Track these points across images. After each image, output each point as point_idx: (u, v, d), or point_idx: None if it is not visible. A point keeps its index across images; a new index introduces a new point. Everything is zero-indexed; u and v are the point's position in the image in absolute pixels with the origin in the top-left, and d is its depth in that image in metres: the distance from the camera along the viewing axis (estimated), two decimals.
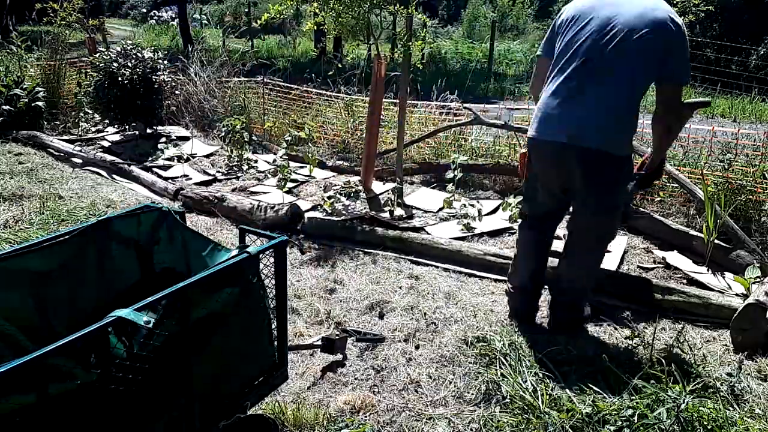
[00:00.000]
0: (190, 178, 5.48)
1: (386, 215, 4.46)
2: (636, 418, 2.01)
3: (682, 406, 1.97)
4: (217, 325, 1.61)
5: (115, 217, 1.94)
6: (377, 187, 5.17)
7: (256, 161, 5.90)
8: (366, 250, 3.86)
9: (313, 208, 4.67)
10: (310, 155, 5.32)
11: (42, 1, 7.86)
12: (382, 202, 4.77)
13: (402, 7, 4.48)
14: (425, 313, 3.05)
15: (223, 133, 6.08)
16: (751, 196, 4.03)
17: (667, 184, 4.50)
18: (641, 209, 4.29)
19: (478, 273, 3.57)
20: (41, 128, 6.83)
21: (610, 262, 3.67)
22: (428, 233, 4.10)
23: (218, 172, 5.70)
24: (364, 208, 4.68)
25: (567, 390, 2.27)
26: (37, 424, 1.18)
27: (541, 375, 2.41)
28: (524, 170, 2.88)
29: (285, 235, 2.12)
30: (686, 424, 1.97)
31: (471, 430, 2.18)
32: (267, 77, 7.21)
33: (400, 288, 3.35)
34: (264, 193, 5.06)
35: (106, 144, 6.45)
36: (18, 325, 1.66)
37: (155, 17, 24.20)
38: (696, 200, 4.05)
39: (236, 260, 1.62)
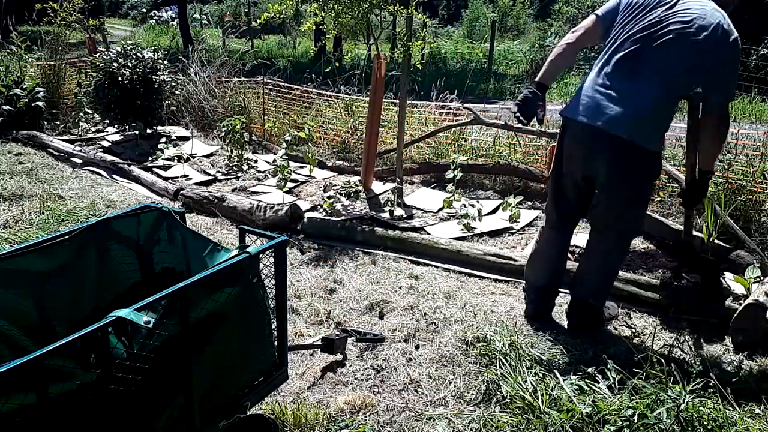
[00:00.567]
0: (190, 178, 5.48)
1: (386, 215, 4.46)
2: (636, 418, 2.00)
3: (682, 406, 1.97)
4: (217, 325, 1.61)
5: (115, 217, 1.94)
6: (377, 187, 5.17)
7: (256, 161, 5.90)
8: (366, 250, 3.87)
9: (313, 208, 4.67)
10: (310, 155, 5.32)
11: (42, 1, 7.86)
12: (382, 202, 4.77)
13: (402, 7, 4.48)
14: (425, 313, 3.05)
15: (223, 133, 6.09)
16: (751, 196, 4.02)
17: (667, 184, 4.50)
18: None
19: (478, 273, 3.57)
20: (41, 128, 6.83)
21: None
22: (428, 233, 4.10)
23: (218, 172, 5.70)
24: (364, 208, 4.68)
25: (567, 390, 2.27)
26: (37, 424, 1.18)
27: (541, 375, 2.41)
28: (552, 164, 2.88)
29: (285, 236, 2.12)
30: (686, 424, 1.97)
31: (471, 430, 2.18)
32: (267, 77, 7.21)
33: (400, 288, 3.35)
34: (264, 193, 5.06)
35: (106, 144, 6.45)
36: (18, 325, 1.66)
37: (155, 17, 24.21)
38: None
39: (236, 260, 1.62)
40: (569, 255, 3.72)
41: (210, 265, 1.74)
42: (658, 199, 4.49)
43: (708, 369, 2.51)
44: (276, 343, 1.89)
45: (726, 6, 2.54)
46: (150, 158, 6.01)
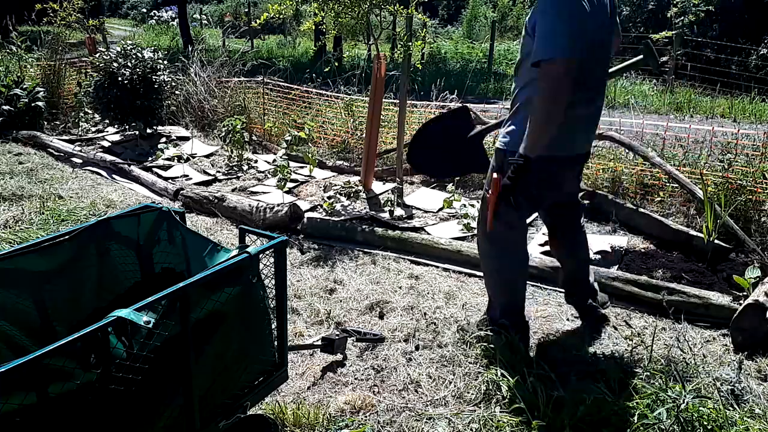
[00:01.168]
0: (190, 178, 5.48)
1: (386, 215, 4.46)
2: (636, 418, 2.01)
3: (682, 406, 1.97)
4: (217, 325, 1.61)
5: (115, 217, 1.94)
6: (377, 187, 5.17)
7: (256, 161, 5.90)
8: (366, 250, 3.87)
9: (313, 209, 4.67)
10: (310, 155, 5.32)
11: (42, 1, 7.86)
12: (382, 202, 4.77)
13: (402, 7, 4.48)
14: (425, 313, 3.05)
15: (223, 133, 6.09)
16: (751, 196, 4.02)
17: (667, 184, 4.50)
18: (641, 209, 4.29)
19: (478, 273, 3.56)
20: (41, 128, 6.83)
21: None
22: (428, 233, 4.10)
23: (218, 172, 5.70)
24: (364, 208, 4.68)
25: (567, 390, 2.27)
26: (37, 423, 1.18)
27: (541, 375, 2.41)
28: (498, 206, 2.41)
29: (285, 236, 2.12)
30: (686, 424, 1.97)
31: (471, 430, 2.18)
32: (267, 77, 7.21)
33: (400, 288, 3.35)
34: (264, 193, 5.06)
35: (106, 144, 6.45)
36: (18, 325, 1.66)
37: (155, 17, 24.19)
38: (696, 200, 4.05)
39: (236, 260, 1.62)
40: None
41: (210, 265, 1.74)
42: (658, 199, 4.49)
43: (708, 369, 2.51)
44: (276, 343, 1.89)
45: None
46: (150, 158, 6.01)
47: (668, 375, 2.34)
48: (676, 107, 9.42)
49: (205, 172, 5.69)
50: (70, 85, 7.71)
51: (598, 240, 4.02)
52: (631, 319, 3.05)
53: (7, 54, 7.99)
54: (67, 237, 1.79)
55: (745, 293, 3.01)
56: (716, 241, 3.65)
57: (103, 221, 1.92)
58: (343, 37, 12.16)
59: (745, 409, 2.26)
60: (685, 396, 2.00)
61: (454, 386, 2.44)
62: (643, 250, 3.92)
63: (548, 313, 3.09)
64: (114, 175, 5.47)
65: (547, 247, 3.86)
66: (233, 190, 5.14)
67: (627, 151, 4.79)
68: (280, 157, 5.32)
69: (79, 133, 6.94)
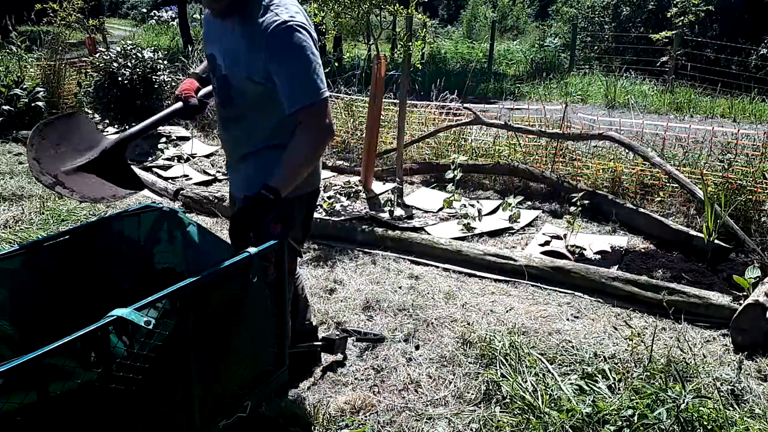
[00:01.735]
0: (190, 178, 5.48)
1: (386, 215, 4.46)
2: (636, 418, 2.01)
3: (682, 406, 1.97)
4: (217, 324, 1.61)
5: (116, 217, 1.95)
6: (377, 187, 5.17)
7: None
8: (366, 250, 3.86)
9: None
10: None
11: (42, 1, 7.86)
12: (382, 202, 4.77)
13: (402, 7, 4.48)
14: (425, 313, 3.05)
15: None
16: (751, 196, 4.02)
17: (667, 184, 4.50)
18: (641, 209, 4.29)
19: (478, 273, 3.57)
20: None
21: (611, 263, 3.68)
22: (428, 233, 4.10)
23: (218, 172, 5.70)
24: (364, 208, 4.68)
25: (567, 390, 2.27)
26: (38, 422, 1.18)
27: (541, 375, 2.41)
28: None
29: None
30: (686, 424, 1.97)
31: (471, 430, 2.18)
32: None
33: (400, 288, 3.35)
34: None
35: None
36: (18, 324, 1.66)
37: (155, 17, 24.18)
38: (696, 200, 4.05)
39: (237, 260, 1.62)
40: (569, 255, 3.74)
41: (210, 265, 1.74)
42: (658, 199, 4.49)
43: (708, 369, 2.51)
44: (277, 343, 1.89)
45: None
46: (150, 158, 6.01)
47: (668, 375, 2.34)
48: (676, 107, 9.42)
49: (205, 172, 5.69)
50: (70, 85, 7.71)
51: (598, 240, 4.02)
52: (631, 319, 3.05)
53: (7, 54, 7.99)
54: (68, 236, 1.79)
55: (745, 293, 3.01)
56: (716, 241, 3.65)
57: (104, 220, 1.92)
58: (343, 37, 12.15)
59: (745, 409, 2.26)
60: (685, 396, 2.00)
61: (454, 386, 2.44)
62: (643, 250, 3.92)
63: (548, 313, 3.09)
64: None
65: (548, 247, 3.87)
66: None
67: (627, 151, 4.79)
68: None
69: None
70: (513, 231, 4.24)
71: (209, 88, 2.16)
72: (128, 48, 6.47)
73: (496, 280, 3.48)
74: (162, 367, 1.43)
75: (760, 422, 2.14)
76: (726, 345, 2.82)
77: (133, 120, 6.43)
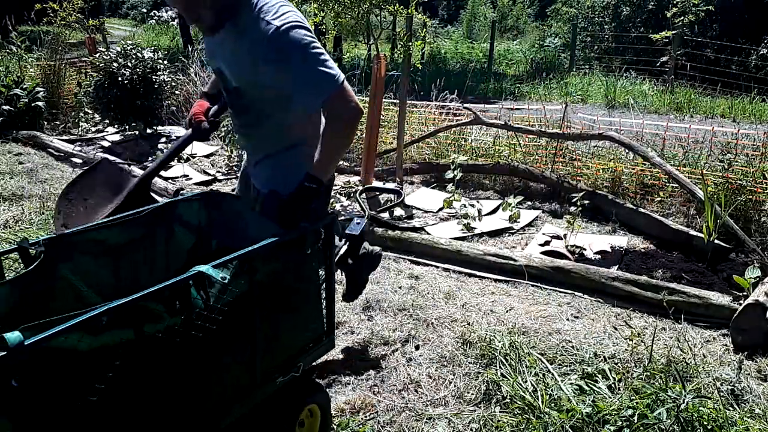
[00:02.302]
0: (190, 178, 5.48)
1: (386, 215, 4.46)
2: (636, 418, 2.01)
3: (682, 406, 1.97)
4: (277, 289, 1.76)
5: (179, 201, 2.08)
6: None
7: None
8: None
9: None
10: None
11: (42, 1, 7.86)
12: (382, 202, 4.78)
13: (402, 7, 4.48)
14: (425, 313, 3.04)
15: (222, 133, 6.09)
16: (751, 196, 4.02)
17: (667, 184, 4.50)
18: (641, 209, 4.29)
19: (478, 273, 3.57)
20: (41, 128, 6.83)
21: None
22: (428, 233, 4.10)
23: (218, 172, 5.71)
24: None
25: (567, 390, 2.27)
26: (135, 357, 1.35)
27: (541, 375, 2.41)
28: None
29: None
30: (686, 424, 1.97)
31: (471, 430, 2.18)
32: None
33: (400, 288, 3.35)
34: None
35: (106, 144, 6.45)
36: (94, 288, 1.81)
37: (155, 17, 24.18)
38: (696, 200, 4.05)
39: (295, 233, 1.77)
40: (569, 255, 3.74)
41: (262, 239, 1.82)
42: (658, 199, 4.49)
43: (708, 369, 2.51)
44: (325, 311, 2.01)
45: None
46: (150, 158, 6.00)
47: (668, 375, 2.34)
48: (676, 107, 9.43)
49: (205, 172, 5.70)
50: (70, 85, 7.71)
51: (598, 240, 4.02)
52: (631, 319, 3.05)
53: (7, 54, 7.99)
54: (139, 216, 1.93)
55: (745, 293, 3.01)
56: (716, 241, 3.65)
57: (169, 204, 2.05)
58: (343, 37, 12.15)
59: (745, 409, 2.26)
60: (685, 396, 2.00)
61: (454, 386, 2.44)
62: (643, 250, 3.92)
63: (548, 313, 3.09)
64: None
65: (548, 247, 3.87)
66: (233, 190, 5.14)
67: (627, 151, 4.79)
68: None
69: (79, 133, 6.95)
70: (513, 231, 4.24)
71: (219, 105, 2.26)
72: (128, 48, 6.47)
73: (496, 280, 3.48)
74: (233, 325, 1.59)
75: (760, 422, 2.14)
76: (726, 345, 2.82)
77: (133, 120, 6.44)
